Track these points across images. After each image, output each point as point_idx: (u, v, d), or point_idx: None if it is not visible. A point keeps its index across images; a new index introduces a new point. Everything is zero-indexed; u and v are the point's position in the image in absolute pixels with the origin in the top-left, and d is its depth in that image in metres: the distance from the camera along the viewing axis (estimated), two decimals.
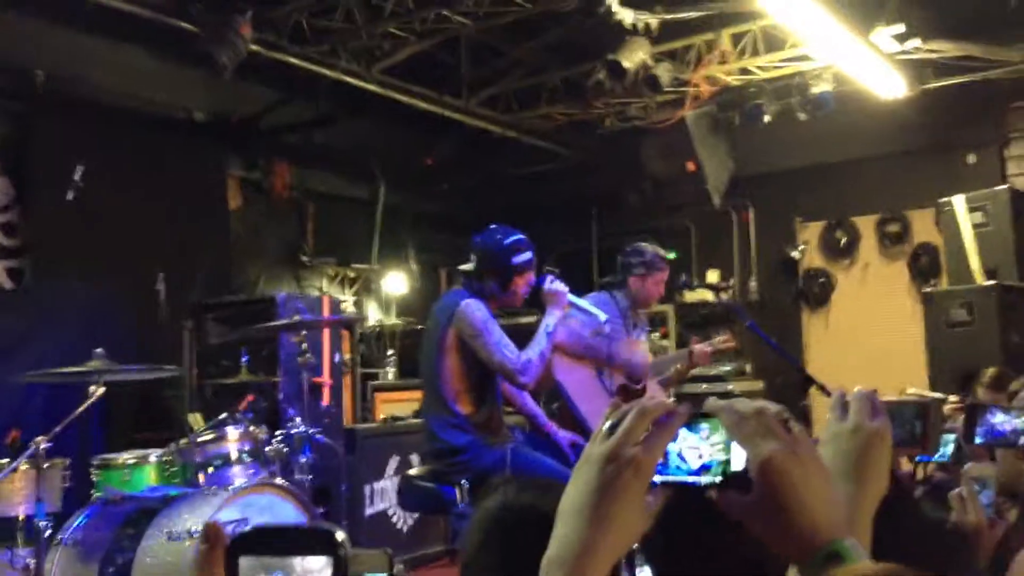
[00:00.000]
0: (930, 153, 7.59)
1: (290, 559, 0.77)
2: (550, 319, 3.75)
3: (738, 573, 1.09)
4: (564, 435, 4.02)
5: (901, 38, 5.98)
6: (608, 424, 0.92)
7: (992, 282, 5.60)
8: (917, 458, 2.53)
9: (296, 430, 4.21)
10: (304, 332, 4.53)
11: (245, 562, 0.77)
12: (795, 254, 8.32)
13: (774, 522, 0.87)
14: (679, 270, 8.03)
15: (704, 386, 7.03)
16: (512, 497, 1.37)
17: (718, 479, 0.89)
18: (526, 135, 8.11)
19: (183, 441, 3.89)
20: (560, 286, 3.80)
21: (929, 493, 2.07)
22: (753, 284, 8.45)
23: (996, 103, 7.31)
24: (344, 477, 4.74)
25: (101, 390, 3.60)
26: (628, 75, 6.20)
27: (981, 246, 5.85)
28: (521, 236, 3.79)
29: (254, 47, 5.58)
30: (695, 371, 5.08)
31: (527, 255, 3.76)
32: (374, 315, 8.29)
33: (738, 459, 0.89)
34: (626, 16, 5.70)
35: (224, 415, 4.00)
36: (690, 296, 8.17)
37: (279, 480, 3.89)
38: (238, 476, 3.83)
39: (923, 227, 7.77)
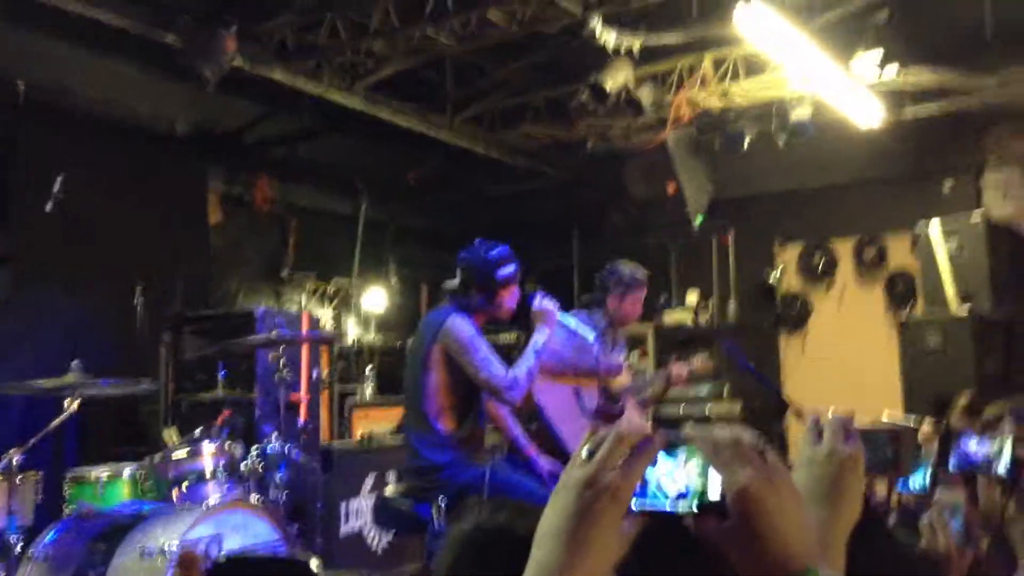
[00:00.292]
0: (907, 180, 7.67)
1: None
2: (539, 337, 3.75)
3: None
4: (545, 463, 3.99)
5: (879, 64, 6.06)
6: (586, 449, 0.93)
7: (966, 309, 5.66)
8: (898, 487, 2.54)
9: (272, 447, 4.19)
10: (282, 347, 4.52)
11: None
12: (771, 280, 8.37)
13: (749, 549, 0.88)
14: (659, 290, 8.10)
15: (682, 408, 7.05)
16: (486, 518, 1.35)
17: (695, 506, 0.90)
18: (509, 155, 8.15)
19: (158, 456, 3.84)
20: (550, 304, 3.80)
21: (901, 519, 2.08)
22: (732, 306, 8.50)
23: (972, 130, 7.40)
24: (320, 495, 4.71)
25: (76, 404, 3.57)
26: (610, 97, 6.25)
27: (956, 272, 5.90)
28: (506, 249, 3.79)
29: (238, 62, 5.58)
30: (672, 392, 5.11)
31: (512, 267, 3.77)
32: (353, 331, 8.26)
33: (715, 486, 0.90)
34: (610, 38, 5.76)
35: (200, 430, 3.95)
36: (669, 317, 8.21)
37: (254, 497, 3.86)
38: (213, 492, 3.79)
39: (899, 252, 7.84)
